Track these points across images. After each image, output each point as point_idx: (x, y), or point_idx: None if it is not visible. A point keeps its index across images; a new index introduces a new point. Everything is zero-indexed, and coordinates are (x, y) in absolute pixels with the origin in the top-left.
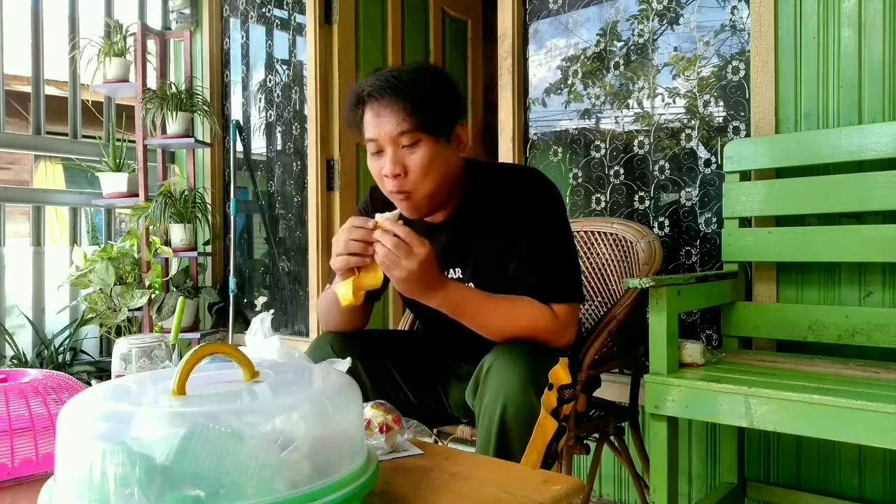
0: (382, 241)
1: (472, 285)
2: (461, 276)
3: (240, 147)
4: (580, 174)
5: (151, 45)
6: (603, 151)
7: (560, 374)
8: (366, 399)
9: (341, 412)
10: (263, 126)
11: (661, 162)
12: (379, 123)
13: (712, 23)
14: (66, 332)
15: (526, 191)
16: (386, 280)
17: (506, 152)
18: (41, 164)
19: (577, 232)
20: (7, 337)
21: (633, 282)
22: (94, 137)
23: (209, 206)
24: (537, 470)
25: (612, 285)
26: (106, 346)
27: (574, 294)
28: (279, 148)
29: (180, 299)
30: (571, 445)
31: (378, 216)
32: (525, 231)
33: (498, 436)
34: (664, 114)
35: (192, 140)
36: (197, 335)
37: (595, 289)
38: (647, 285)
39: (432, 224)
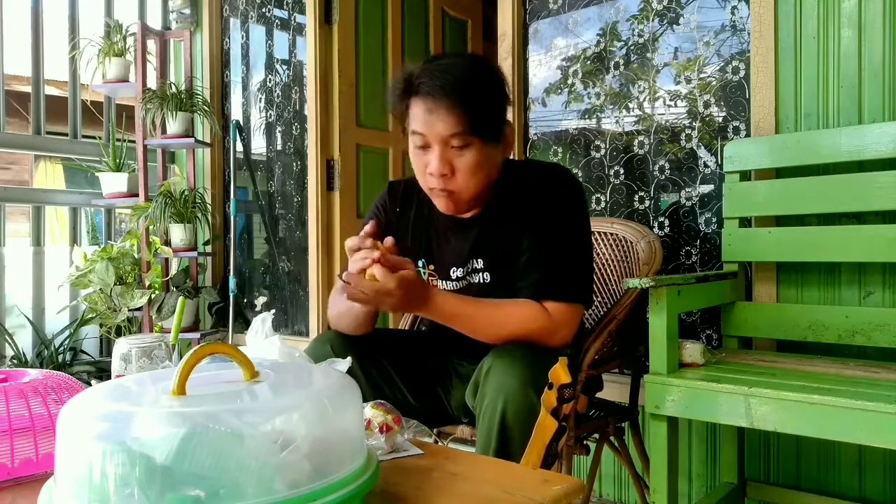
0: (361, 291)
1: (489, 274)
2: (482, 265)
3: (240, 147)
4: (580, 174)
5: (151, 45)
6: (603, 151)
7: (560, 373)
8: (364, 399)
9: (341, 412)
10: (263, 126)
11: (661, 162)
12: (431, 122)
13: (712, 23)
14: (66, 332)
15: (549, 186)
16: None
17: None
18: (41, 164)
19: None
20: (7, 337)
21: (633, 282)
22: (94, 137)
23: (209, 206)
24: (537, 470)
25: (612, 285)
26: (106, 346)
27: (574, 294)
28: (279, 148)
29: (180, 299)
30: (571, 445)
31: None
32: (539, 226)
33: (498, 436)
34: (664, 114)
35: (192, 140)
36: (197, 335)
37: (595, 289)
38: (647, 285)
39: (462, 219)
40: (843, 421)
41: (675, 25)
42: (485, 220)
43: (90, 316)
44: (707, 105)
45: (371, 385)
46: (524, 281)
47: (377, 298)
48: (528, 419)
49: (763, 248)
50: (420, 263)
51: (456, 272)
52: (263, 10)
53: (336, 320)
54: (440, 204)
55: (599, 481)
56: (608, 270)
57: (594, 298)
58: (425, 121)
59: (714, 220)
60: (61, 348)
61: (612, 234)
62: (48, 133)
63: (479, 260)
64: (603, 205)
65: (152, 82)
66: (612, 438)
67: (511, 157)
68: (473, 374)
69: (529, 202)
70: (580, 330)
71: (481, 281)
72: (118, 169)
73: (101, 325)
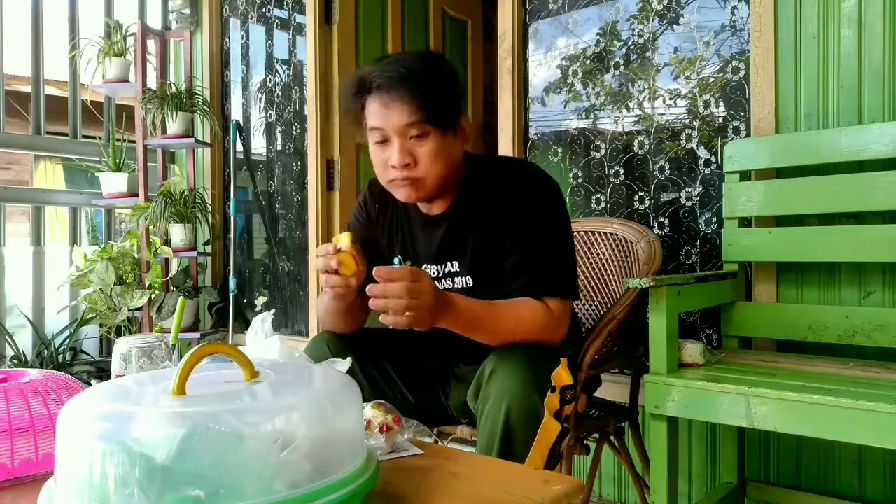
0: (388, 295)
1: (470, 278)
2: (458, 268)
3: (240, 147)
4: (580, 174)
5: (151, 45)
6: (603, 151)
7: (562, 375)
8: (364, 399)
9: (341, 412)
10: (263, 126)
11: (661, 162)
12: (387, 114)
13: (712, 23)
14: (66, 332)
15: (523, 184)
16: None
17: (505, 152)
18: (41, 164)
19: (577, 232)
20: (7, 337)
21: (633, 282)
22: (94, 137)
23: (209, 206)
24: (537, 470)
25: (612, 285)
26: (106, 346)
27: (566, 289)
28: (279, 148)
29: (180, 299)
30: (571, 446)
31: (331, 246)
32: (521, 225)
33: (501, 439)
34: (664, 114)
35: (192, 140)
36: (197, 335)
37: (595, 289)
38: (647, 285)
39: (430, 216)
40: (843, 421)
41: (674, 25)
42: (453, 217)
43: (90, 316)
44: (707, 105)
45: (371, 385)
46: (517, 283)
47: (410, 303)
48: (532, 422)
49: (763, 248)
50: (396, 260)
51: (428, 269)
52: (263, 10)
53: (325, 318)
54: (401, 194)
55: (599, 481)
56: (608, 270)
57: (594, 298)
58: (382, 115)
59: (714, 220)
60: (61, 348)
61: (612, 234)
62: (48, 133)
63: (455, 262)
64: (603, 205)
65: (152, 82)
66: (612, 438)
67: (471, 151)
68: (475, 377)
69: (503, 201)
70: (580, 330)
71: (464, 286)
72: (118, 169)
73: (101, 325)
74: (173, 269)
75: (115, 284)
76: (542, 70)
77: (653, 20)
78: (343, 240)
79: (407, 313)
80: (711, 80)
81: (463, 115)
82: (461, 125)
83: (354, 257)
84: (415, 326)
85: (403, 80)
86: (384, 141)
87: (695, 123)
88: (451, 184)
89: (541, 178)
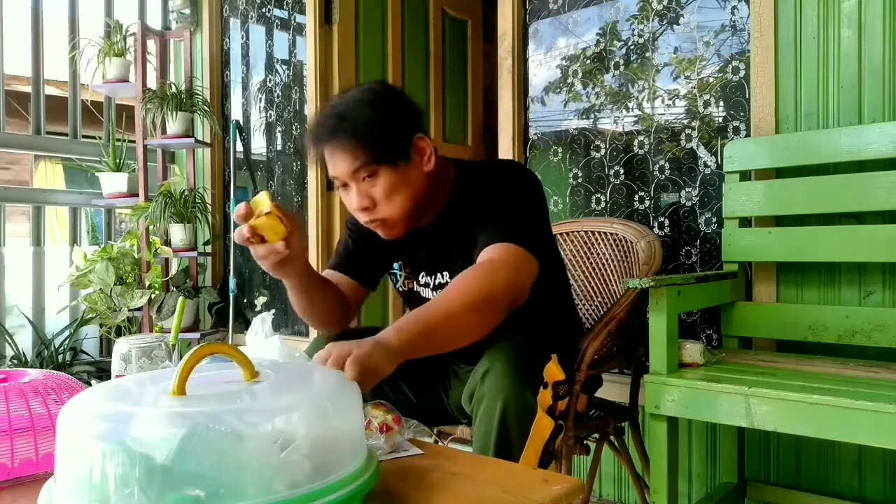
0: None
1: None
2: (448, 279)
3: (240, 147)
4: (580, 174)
5: (151, 45)
6: (603, 151)
7: (553, 370)
8: (364, 399)
9: (341, 412)
10: (263, 126)
11: (661, 162)
12: (335, 164)
13: (712, 23)
14: (66, 332)
15: (501, 180)
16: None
17: (506, 152)
18: (41, 164)
19: (577, 232)
20: (7, 337)
21: (633, 282)
22: (94, 137)
23: (209, 206)
24: (537, 470)
25: (612, 285)
26: (106, 346)
27: (515, 237)
28: (279, 148)
29: (180, 299)
30: (571, 445)
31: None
32: (489, 207)
33: (497, 438)
34: (664, 114)
35: (192, 140)
36: (197, 335)
37: (595, 289)
38: (647, 285)
39: (421, 227)
40: (843, 421)
41: (674, 25)
42: (439, 228)
43: (90, 316)
44: (707, 105)
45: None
46: (477, 245)
47: (346, 353)
48: (527, 421)
49: (763, 248)
50: (397, 266)
51: (425, 278)
52: (263, 10)
53: (299, 311)
54: (380, 234)
55: (599, 481)
56: (608, 270)
57: (594, 298)
58: (332, 164)
59: (714, 220)
60: (61, 348)
61: (612, 234)
62: (48, 133)
63: (445, 273)
64: (603, 205)
65: (152, 82)
66: (612, 438)
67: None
68: (469, 378)
69: (482, 200)
70: (580, 329)
71: None
72: (118, 169)
73: (101, 325)
74: (173, 269)
75: (115, 284)
76: (542, 70)
77: (653, 20)
78: (263, 201)
79: (354, 361)
80: (711, 80)
81: (418, 136)
82: (416, 147)
83: (281, 219)
84: (379, 365)
85: (337, 130)
86: (345, 186)
87: (695, 124)
88: (428, 204)
89: (518, 172)
